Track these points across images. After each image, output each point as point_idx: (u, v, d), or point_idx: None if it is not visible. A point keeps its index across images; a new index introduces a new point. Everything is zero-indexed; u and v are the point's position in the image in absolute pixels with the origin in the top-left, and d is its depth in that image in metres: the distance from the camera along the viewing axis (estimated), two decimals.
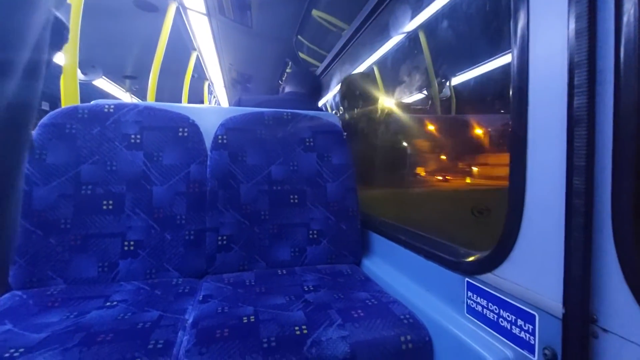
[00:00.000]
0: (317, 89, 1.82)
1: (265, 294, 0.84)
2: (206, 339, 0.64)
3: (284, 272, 0.99)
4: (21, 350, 0.58)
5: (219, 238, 0.98)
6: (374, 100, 1.96)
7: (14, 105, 0.20)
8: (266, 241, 1.02)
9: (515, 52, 0.56)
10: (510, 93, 0.57)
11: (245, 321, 0.70)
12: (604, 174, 0.43)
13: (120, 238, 0.92)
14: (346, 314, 0.72)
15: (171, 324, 0.70)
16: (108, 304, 0.78)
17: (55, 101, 1.28)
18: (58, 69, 1.33)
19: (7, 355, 0.56)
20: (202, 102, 4.26)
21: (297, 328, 0.67)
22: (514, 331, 0.56)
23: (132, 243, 0.92)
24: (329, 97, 2.68)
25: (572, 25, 0.46)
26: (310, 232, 1.06)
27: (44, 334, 0.64)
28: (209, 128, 1.06)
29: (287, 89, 1.71)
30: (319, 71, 2.41)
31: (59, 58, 1.37)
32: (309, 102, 1.62)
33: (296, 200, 1.06)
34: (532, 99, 0.53)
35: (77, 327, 0.67)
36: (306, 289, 0.86)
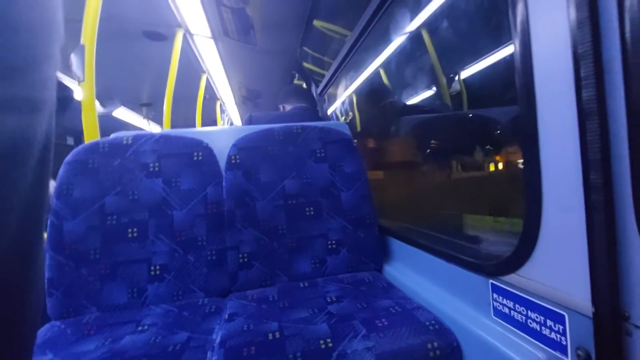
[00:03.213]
0: (315, 101, 1.87)
1: (289, 308, 0.84)
2: (234, 358, 0.65)
3: (306, 284, 0.99)
4: None
5: (240, 256, 1.00)
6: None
7: (22, 139, 0.20)
8: (286, 255, 1.03)
9: (518, 47, 0.55)
10: (517, 90, 0.56)
11: (271, 337, 0.71)
12: (621, 166, 0.41)
13: (146, 264, 0.95)
14: (370, 324, 0.72)
15: (200, 345, 0.71)
16: (140, 328, 0.80)
17: (79, 136, 1.35)
18: (79, 105, 1.40)
19: None
20: (215, 121, 4.37)
21: (322, 342, 0.67)
22: (544, 332, 0.54)
23: (157, 267, 0.96)
24: (338, 104, 2.70)
25: (573, 15, 0.45)
26: (329, 242, 1.06)
27: None
28: (222, 149, 1.10)
29: (290, 105, 1.75)
30: (325, 79, 2.43)
31: (79, 94, 1.45)
32: (315, 113, 1.65)
33: (312, 212, 1.07)
34: (539, 94, 0.52)
35: (112, 353, 0.70)
36: (329, 300, 0.87)
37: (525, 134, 0.54)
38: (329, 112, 2.75)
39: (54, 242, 0.91)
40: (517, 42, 0.55)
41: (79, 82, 1.30)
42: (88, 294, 0.91)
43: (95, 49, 1.35)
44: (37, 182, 0.23)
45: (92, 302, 0.91)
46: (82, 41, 1.31)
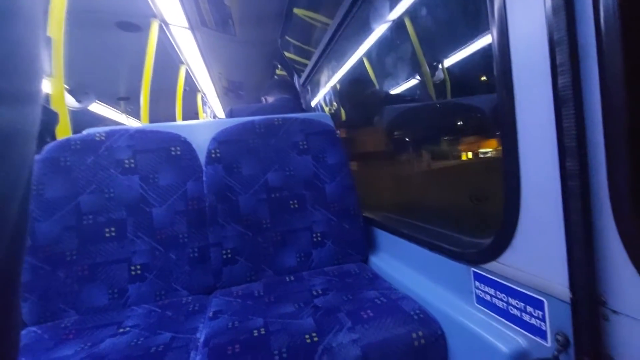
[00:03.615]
0: (297, 93, 1.86)
1: (274, 303, 0.84)
2: (218, 357, 0.64)
3: (292, 278, 0.99)
4: None
5: (224, 252, 0.98)
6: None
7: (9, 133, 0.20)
8: (271, 249, 1.02)
9: (495, 34, 0.55)
10: (495, 77, 0.56)
11: (256, 334, 0.70)
12: (597, 153, 0.42)
13: (126, 263, 0.92)
14: (356, 316, 0.72)
15: (183, 345, 0.70)
16: (121, 330, 0.78)
17: (54, 132, 1.28)
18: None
19: None
20: (197, 114, 4.27)
21: (307, 336, 0.67)
22: (524, 318, 0.55)
23: (138, 267, 0.93)
24: (320, 95, 2.66)
25: (549, 2, 0.45)
26: (314, 235, 1.06)
27: None
28: (201, 143, 1.06)
29: (272, 97, 1.72)
30: (307, 69, 2.39)
31: (47, 88, 1.38)
32: (298, 105, 1.63)
33: (296, 205, 1.06)
34: (516, 82, 0.52)
35: (92, 358, 0.68)
36: (315, 294, 0.86)
37: (503, 121, 0.54)
38: (313, 103, 2.71)
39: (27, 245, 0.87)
40: (494, 29, 0.54)
41: (47, 76, 1.23)
42: (66, 297, 0.87)
43: (63, 42, 1.28)
44: (29, 174, 0.23)
45: (71, 306, 0.88)
46: (48, 33, 1.23)
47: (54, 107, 1.27)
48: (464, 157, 1.14)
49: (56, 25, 1.30)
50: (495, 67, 0.54)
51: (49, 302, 0.87)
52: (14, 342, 0.24)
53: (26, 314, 0.85)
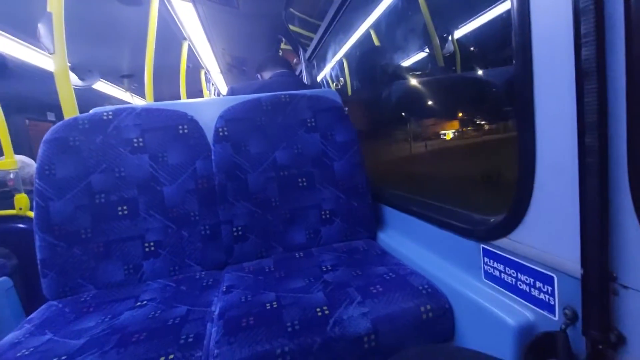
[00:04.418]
0: (292, 68, 1.82)
1: (285, 278, 0.86)
2: (233, 328, 0.66)
3: (302, 254, 1.01)
4: (64, 357, 0.62)
5: (234, 229, 1.00)
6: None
7: None
8: (280, 227, 1.04)
9: (515, 1, 0.52)
10: (513, 48, 0.53)
11: (269, 307, 0.72)
12: (618, 129, 0.40)
13: (140, 240, 0.95)
14: (365, 291, 0.74)
15: (199, 318, 0.73)
16: (138, 304, 0.81)
17: (60, 111, 1.28)
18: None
19: None
20: (200, 91, 4.22)
21: (318, 309, 0.69)
22: (533, 293, 0.56)
23: (152, 244, 0.95)
24: (327, 70, 2.60)
25: None
26: (323, 212, 1.07)
27: (82, 339, 0.68)
28: (208, 121, 1.06)
29: (269, 72, 1.68)
30: (313, 43, 2.32)
31: (51, 66, 1.36)
32: (298, 80, 1.59)
33: (305, 183, 1.06)
34: (536, 52, 0.50)
35: (112, 329, 0.71)
36: (324, 269, 0.88)
37: (520, 95, 0.52)
38: (319, 78, 2.66)
39: (42, 223, 0.89)
40: None
41: (50, 53, 1.21)
42: (83, 272, 0.91)
43: (63, 17, 1.25)
44: None
45: (88, 281, 0.91)
46: (48, 9, 1.20)
47: (58, 86, 1.26)
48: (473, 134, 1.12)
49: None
50: (514, 38, 0.52)
51: (68, 277, 0.90)
52: None
53: (46, 289, 0.89)
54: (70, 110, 1.22)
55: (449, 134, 1.26)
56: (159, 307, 0.79)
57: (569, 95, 0.45)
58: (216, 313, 0.74)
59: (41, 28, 1.20)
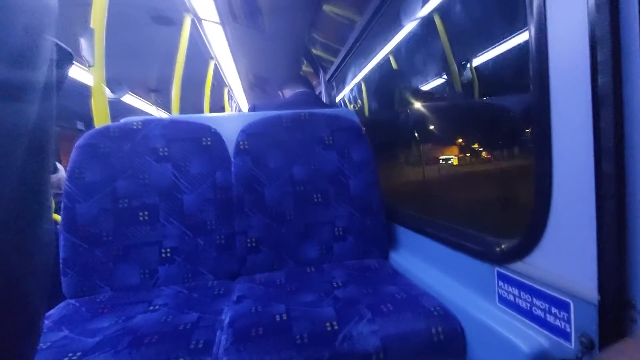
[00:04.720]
0: (313, 87, 1.89)
1: (295, 292, 0.86)
2: (243, 337, 0.67)
3: (313, 269, 1.01)
4: (78, 354, 0.64)
5: (248, 241, 1.02)
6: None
7: (36, 128, 0.20)
8: (293, 241, 1.05)
9: (533, 30, 0.54)
10: (530, 74, 0.55)
11: (278, 319, 0.72)
12: (635, 155, 0.41)
13: (157, 246, 0.98)
14: (375, 309, 0.73)
15: (210, 325, 0.74)
16: (151, 308, 0.83)
17: (89, 120, 1.36)
18: (89, 90, 1.42)
19: (65, 359, 0.62)
20: (222, 107, 4.37)
21: (328, 324, 0.69)
22: (548, 319, 0.55)
23: (168, 250, 0.98)
24: (346, 91, 2.67)
25: None
26: (336, 229, 1.08)
27: (97, 338, 0.69)
28: (230, 135, 1.10)
29: (290, 90, 1.74)
30: (334, 66, 2.40)
31: (89, 79, 1.46)
32: (317, 99, 1.65)
33: (320, 199, 1.08)
34: (553, 80, 0.51)
35: (125, 330, 0.72)
36: (335, 285, 0.88)
37: (537, 120, 0.53)
38: (337, 99, 2.72)
39: (67, 223, 0.93)
40: (532, 25, 0.54)
41: (89, 66, 1.30)
42: (102, 274, 0.94)
43: (104, 33, 1.35)
44: (27, 172, 0.22)
45: (106, 282, 0.94)
46: (91, 25, 1.31)
47: (94, 96, 1.34)
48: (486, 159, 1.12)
49: (99, 16, 1.38)
50: (532, 65, 0.54)
51: (87, 277, 0.93)
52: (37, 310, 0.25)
53: (66, 287, 0.92)
54: (102, 119, 1.30)
55: (458, 159, 1.27)
56: (171, 312, 0.80)
57: (585, 121, 0.46)
58: (226, 321, 0.75)
59: (83, 42, 1.30)
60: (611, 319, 0.43)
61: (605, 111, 0.43)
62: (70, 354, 0.64)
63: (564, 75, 0.49)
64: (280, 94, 1.88)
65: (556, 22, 0.50)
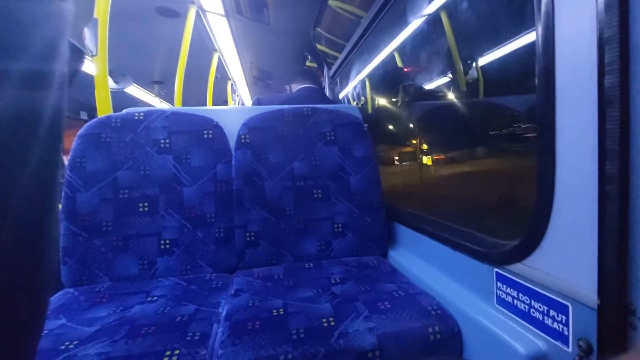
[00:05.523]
0: (320, 83, 1.88)
1: (293, 287, 0.86)
2: (239, 331, 0.67)
3: (311, 265, 1.01)
4: (75, 342, 0.64)
5: (247, 234, 1.02)
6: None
7: (19, 115, 0.20)
8: (292, 236, 1.05)
9: (540, 29, 0.53)
10: (536, 74, 0.54)
11: (275, 314, 0.72)
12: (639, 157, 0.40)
13: (156, 237, 0.98)
14: (373, 306, 0.73)
15: (206, 317, 0.74)
16: (149, 299, 0.83)
17: (92, 111, 1.36)
18: (92, 80, 1.41)
19: (62, 347, 0.63)
20: (226, 101, 4.36)
21: (324, 320, 0.69)
22: (546, 322, 0.54)
23: (167, 242, 0.98)
24: (349, 88, 2.65)
25: None
26: (335, 225, 1.07)
27: (94, 327, 0.70)
28: (231, 128, 1.10)
29: (297, 85, 1.73)
30: (338, 61, 2.38)
31: (91, 69, 1.45)
32: (323, 95, 1.64)
33: (320, 195, 1.08)
34: (559, 79, 0.50)
35: (123, 320, 0.73)
36: (333, 282, 0.88)
37: (542, 120, 0.53)
38: (341, 95, 2.71)
39: (68, 212, 0.94)
40: (540, 25, 0.53)
41: (92, 56, 1.30)
42: (101, 264, 0.94)
43: (108, 24, 1.35)
44: (46, 157, 0.23)
45: (104, 272, 0.94)
46: (95, 15, 1.30)
47: (97, 86, 1.34)
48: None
49: (103, 6, 1.37)
50: (538, 65, 0.53)
51: (86, 267, 0.93)
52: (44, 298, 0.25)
53: (65, 276, 0.93)
54: (105, 109, 1.30)
55: (462, 157, 1.26)
56: (169, 303, 0.81)
57: (591, 122, 0.45)
58: (223, 314, 0.75)
59: (86, 32, 1.29)
60: (611, 324, 0.43)
61: (612, 112, 0.42)
62: (67, 342, 0.64)
63: (570, 75, 0.49)
64: (288, 88, 1.87)
65: (564, 21, 0.49)
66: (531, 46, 0.65)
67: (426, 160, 1.58)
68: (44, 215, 0.24)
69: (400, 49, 1.88)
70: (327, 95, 2.69)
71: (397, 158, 1.76)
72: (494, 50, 1.21)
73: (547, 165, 0.52)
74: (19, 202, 0.21)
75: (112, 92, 1.46)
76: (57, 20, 0.23)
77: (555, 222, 0.52)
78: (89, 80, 1.35)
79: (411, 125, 1.67)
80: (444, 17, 1.49)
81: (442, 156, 1.48)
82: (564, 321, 0.51)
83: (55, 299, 0.84)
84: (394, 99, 1.87)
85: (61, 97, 0.24)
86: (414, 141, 1.66)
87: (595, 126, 0.44)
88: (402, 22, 1.71)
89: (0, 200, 0.19)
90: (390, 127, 1.90)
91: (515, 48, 1.09)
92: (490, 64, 1.28)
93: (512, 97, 1.11)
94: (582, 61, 0.46)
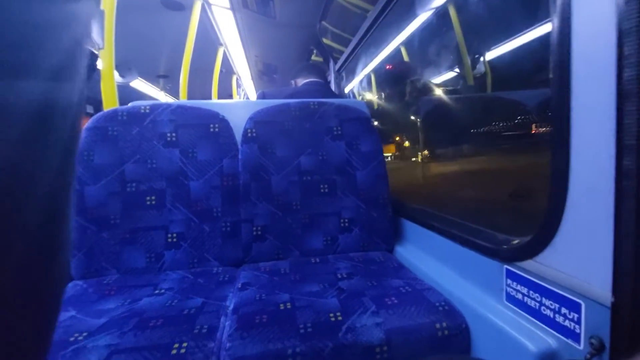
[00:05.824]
0: (326, 78, 1.87)
1: (300, 281, 0.86)
2: (247, 324, 0.67)
3: (318, 260, 1.01)
4: (85, 334, 0.64)
5: (254, 229, 1.02)
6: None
7: (46, 106, 0.20)
8: (299, 230, 1.05)
9: (556, 22, 0.52)
10: (550, 67, 0.53)
11: (282, 308, 0.73)
12: None
13: (164, 231, 0.98)
14: (380, 301, 0.73)
15: (214, 310, 0.74)
16: (157, 291, 0.84)
17: (98, 104, 1.36)
18: (97, 73, 1.41)
19: (72, 339, 0.63)
20: (230, 95, 4.36)
21: (332, 315, 0.69)
22: (557, 320, 0.54)
23: (174, 235, 0.98)
24: (356, 82, 2.63)
25: None
26: (342, 220, 1.07)
27: (103, 319, 0.70)
28: (238, 122, 1.09)
29: (303, 79, 1.72)
30: (344, 56, 2.36)
31: (98, 63, 1.45)
32: (329, 89, 1.62)
33: (326, 190, 1.07)
34: (575, 73, 0.49)
35: (131, 313, 0.73)
36: (339, 277, 0.88)
37: (556, 114, 0.51)
38: (347, 90, 2.69)
39: (76, 205, 0.94)
40: (555, 16, 0.51)
41: (99, 49, 1.30)
42: (109, 256, 0.94)
43: (114, 16, 1.34)
44: (66, 152, 0.23)
45: (112, 265, 0.95)
46: (101, 7, 1.29)
47: (103, 79, 1.34)
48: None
49: None
50: (552, 58, 0.52)
51: (94, 259, 0.94)
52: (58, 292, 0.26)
53: (73, 269, 0.93)
54: (111, 102, 1.30)
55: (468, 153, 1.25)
56: (176, 296, 0.81)
57: (607, 116, 0.44)
58: (230, 308, 0.76)
59: (93, 25, 1.29)
60: (625, 322, 0.42)
61: (630, 106, 0.41)
62: (76, 334, 0.65)
63: (587, 68, 0.47)
64: (293, 82, 1.86)
65: (582, 12, 0.48)
66: (545, 38, 0.64)
67: (433, 155, 1.57)
68: (61, 223, 0.24)
69: (408, 43, 1.85)
70: (333, 89, 2.68)
71: (403, 154, 1.75)
72: (505, 44, 1.19)
73: (561, 160, 0.51)
74: (38, 206, 0.20)
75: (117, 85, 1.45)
76: (77, 28, 0.23)
77: (569, 218, 0.51)
78: (95, 74, 1.35)
79: (418, 121, 1.65)
80: (452, 11, 1.47)
81: (450, 151, 1.47)
82: (575, 319, 0.51)
83: (64, 291, 0.85)
84: (401, 94, 1.85)
85: (81, 96, 0.24)
86: (420, 136, 1.64)
87: (612, 121, 0.43)
88: (409, 15, 1.68)
89: (17, 204, 0.19)
90: (397, 121, 1.89)
91: (527, 41, 1.07)
92: (500, 58, 1.26)
93: (521, 92, 1.09)
94: (600, 54, 0.45)
